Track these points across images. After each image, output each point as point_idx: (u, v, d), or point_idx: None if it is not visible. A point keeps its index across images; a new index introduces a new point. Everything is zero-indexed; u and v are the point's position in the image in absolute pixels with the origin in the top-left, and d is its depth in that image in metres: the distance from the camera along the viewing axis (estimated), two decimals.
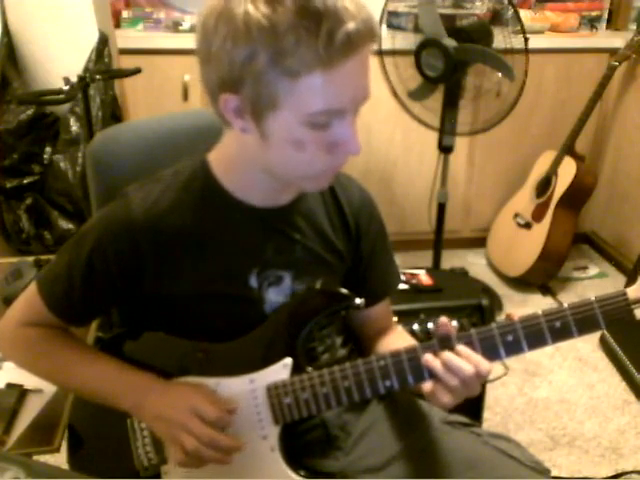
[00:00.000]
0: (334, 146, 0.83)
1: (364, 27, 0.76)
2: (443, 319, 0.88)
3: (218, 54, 0.78)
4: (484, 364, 0.86)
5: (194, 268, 0.94)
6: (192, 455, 0.89)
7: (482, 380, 0.87)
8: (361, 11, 0.77)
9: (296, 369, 0.94)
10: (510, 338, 0.86)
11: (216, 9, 0.78)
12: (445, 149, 2.37)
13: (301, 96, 0.78)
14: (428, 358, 0.87)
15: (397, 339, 1.08)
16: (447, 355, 0.86)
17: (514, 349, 0.86)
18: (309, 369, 0.94)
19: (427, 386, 0.89)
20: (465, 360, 0.85)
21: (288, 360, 0.94)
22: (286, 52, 0.74)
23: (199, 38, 0.81)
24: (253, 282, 0.96)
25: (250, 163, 0.90)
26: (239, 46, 0.76)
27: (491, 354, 0.87)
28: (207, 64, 0.81)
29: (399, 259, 1.13)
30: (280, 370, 0.94)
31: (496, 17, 2.52)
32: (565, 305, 0.85)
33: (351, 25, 0.74)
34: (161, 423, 0.91)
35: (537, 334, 0.85)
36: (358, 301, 0.95)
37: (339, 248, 1.02)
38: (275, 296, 0.98)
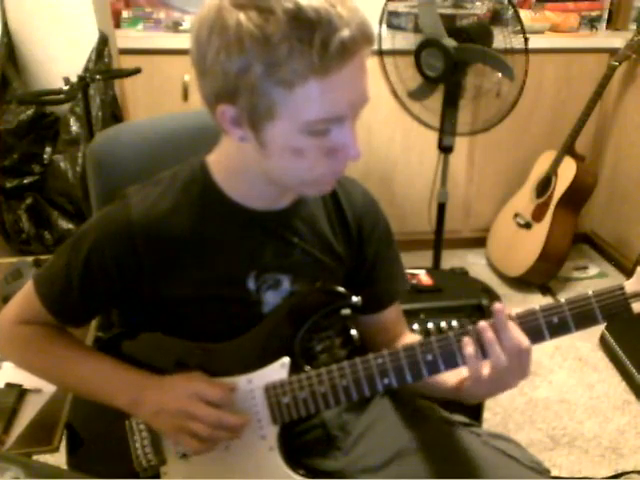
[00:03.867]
0: (334, 152, 0.83)
1: (359, 32, 0.75)
2: (498, 305, 0.86)
3: (213, 66, 0.77)
4: (526, 340, 0.84)
5: (192, 271, 0.94)
6: (205, 439, 0.89)
7: (524, 367, 0.85)
8: (355, 16, 0.75)
9: (294, 369, 0.93)
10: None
11: (208, 20, 0.77)
12: (445, 149, 2.37)
13: (298, 105, 0.77)
14: (482, 325, 0.85)
15: None
16: (503, 324, 0.84)
17: None
18: (307, 368, 0.94)
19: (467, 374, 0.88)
20: (515, 332, 0.84)
21: (286, 359, 0.94)
22: (280, 63, 0.74)
23: (193, 50, 0.80)
24: (251, 285, 0.96)
25: (249, 168, 0.90)
26: (233, 58, 0.75)
27: None
28: (203, 76, 0.81)
29: (401, 258, 1.12)
30: (278, 370, 0.94)
31: (496, 17, 2.52)
32: (562, 300, 0.85)
33: (345, 32, 0.74)
34: (162, 417, 0.91)
35: (535, 330, 0.85)
36: (355, 299, 0.95)
37: (339, 252, 1.02)
38: (273, 298, 0.98)
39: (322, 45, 0.73)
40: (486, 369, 0.86)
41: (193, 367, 0.95)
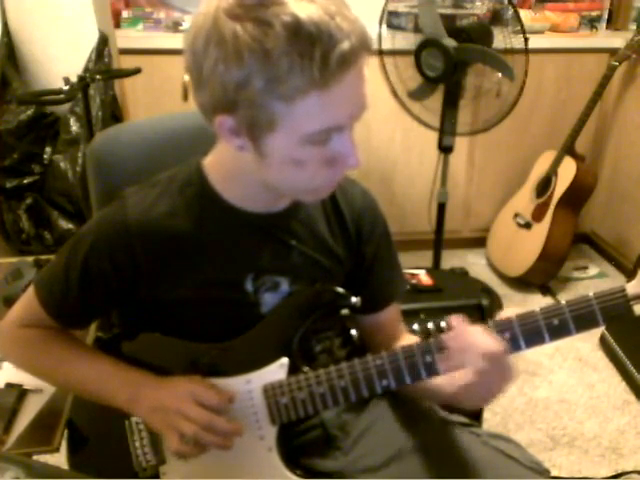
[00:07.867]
0: (333, 161, 0.83)
1: (358, 43, 0.75)
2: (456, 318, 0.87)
3: (210, 77, 0.76)
4: (494, 344, 0.83)
5: (189, 273, 0.94)
6: (190, 440, 0.88)
7: (503, 371, 0.84)
8: (354, 27, 0.75)
9: (293, 369, 0.93)
10: (507, 336, 0.85)
11: (203, 29, 0.75)
12: (445, 149, 2.37)
13: (298, 118, 0.77)
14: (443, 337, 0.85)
15: None
16: (461, 333, 0.84)
17: (511, 347, 0.85)
18: (306, 369, 0.94)
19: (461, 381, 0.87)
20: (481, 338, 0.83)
21: (284, 360, 0.94)
22: (280, 78, 0.73)
23: (189, 60, 0.79)
24: (249, 287, 0.96)
25: (246, 173, 0.89)
26: (231, 70, 0.74)
27: None
28: (199, 86, 0.80)
29: (399, 259, 1.12)
30: (276, 370, 0.94)
31: (496, 17, 2.52)
32: (563, 302, 0.84)
33: (345, 45, 0.73)
34: (157, 414, 0.91)
35: (535, 332, 0.84)
36: (354, 300, 0.95)
37: (338, 253, 1.02)
38: (272, 299, 0.98)
39: (322, 59, 0.72)
40: (466, 376, 0.85)
41: (191, 367, 0.95)
